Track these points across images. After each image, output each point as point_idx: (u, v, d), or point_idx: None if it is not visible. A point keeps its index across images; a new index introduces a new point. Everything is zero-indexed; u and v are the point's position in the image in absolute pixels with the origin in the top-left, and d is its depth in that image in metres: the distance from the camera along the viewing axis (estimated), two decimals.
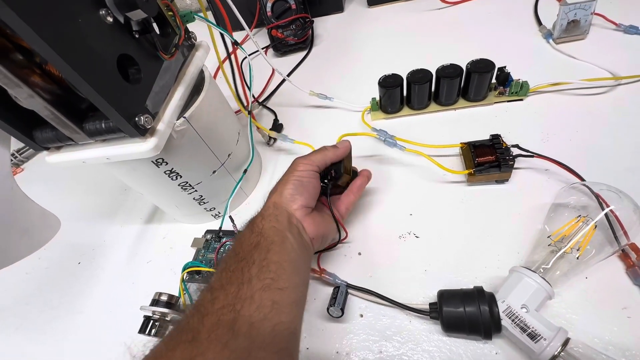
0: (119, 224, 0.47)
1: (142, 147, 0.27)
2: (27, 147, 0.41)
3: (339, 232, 0.33)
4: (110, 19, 0.24)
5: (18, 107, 0.27)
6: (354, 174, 0.35)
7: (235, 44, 0.38)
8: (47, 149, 0.30)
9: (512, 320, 0.25)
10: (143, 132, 0.27)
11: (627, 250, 0.28)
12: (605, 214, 0.27)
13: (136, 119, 0.26)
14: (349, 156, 0.34)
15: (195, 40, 0.35)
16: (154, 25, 0.28)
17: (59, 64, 0.21)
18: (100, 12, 0.23)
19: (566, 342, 0.23)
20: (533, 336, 0.23)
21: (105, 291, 0.40)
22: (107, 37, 0.24)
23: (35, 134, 0.28)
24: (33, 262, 0.46)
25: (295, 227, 0.27)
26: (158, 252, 0.42)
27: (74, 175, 0.57)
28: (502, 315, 0.25)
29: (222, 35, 0.38)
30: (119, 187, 0.52)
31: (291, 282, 0.24)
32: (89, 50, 0.22)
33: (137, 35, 0.27)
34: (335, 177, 0.32)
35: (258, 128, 0.44)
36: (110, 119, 0.25)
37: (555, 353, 0.23)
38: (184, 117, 0.31)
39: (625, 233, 0.27)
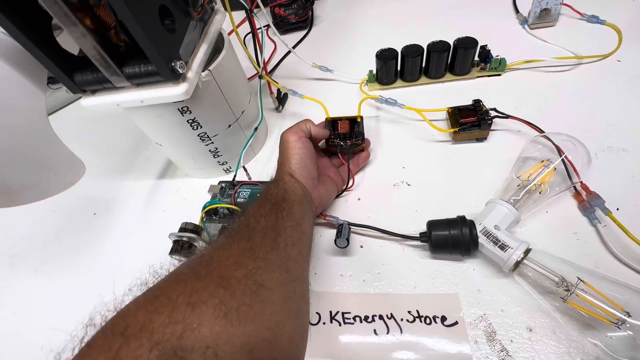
0: (132, 180, 0.50)
1: (175, 91, 0.31)
2: None
3: (347, 181, 0.39)
4: None
5: (61, 51, 0.30)
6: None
7: (251, 11, 0.42)
8: (84, 92, 0.33)
9: (487, 237, 0.30)
10: (177, 76, 0.30)
11: (579, 189, 0.34)
12: (562, 159, 0.33)
13: (172, 63, 0.30)
14: (362, 125, 0.40)
15: (216, 4, 0.39)
16: None
17: (118, 4, 0.24)
18: None
19: (528, 251, 0.29)
20: (503, 247, 0.29)
21: (124, 235, 0.43)
22: None
23: (75, 76, 0.31)
24: (46, 214, 0.48)
25: (307, 196, 0.33)
26: (172, 203, 0.45)
27: (82, 136, 0.59)
28: (479, 234, 0.31)
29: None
30: (128, 147, 0.54)
31: (308, 232, 0.30)
32: None
33: None
34: (358, 141, 0.39)
35: (269, 84, 0.49)
36: (151, 60, 0.29)
37: (519, 259, 0.28)
38: (209, 70, 0.35)
39: (577, 173, 0.33)
